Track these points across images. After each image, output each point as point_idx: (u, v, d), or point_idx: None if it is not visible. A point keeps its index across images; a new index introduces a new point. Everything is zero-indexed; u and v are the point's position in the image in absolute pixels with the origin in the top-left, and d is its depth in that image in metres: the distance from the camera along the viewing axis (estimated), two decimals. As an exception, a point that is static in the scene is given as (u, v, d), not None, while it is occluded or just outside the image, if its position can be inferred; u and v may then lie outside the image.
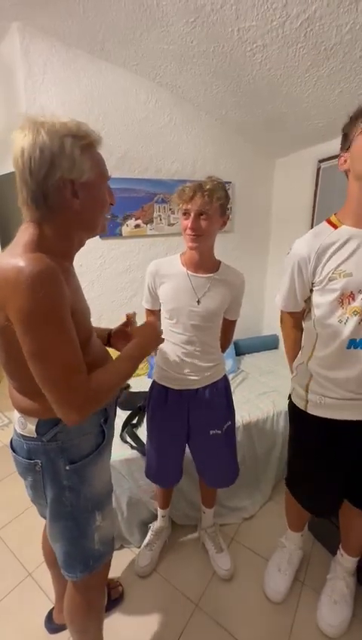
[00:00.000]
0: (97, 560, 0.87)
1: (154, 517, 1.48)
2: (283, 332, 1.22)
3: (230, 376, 2.13)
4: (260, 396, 1.88)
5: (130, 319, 1.01)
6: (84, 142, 0.66)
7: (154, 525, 1.45)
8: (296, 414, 1.12)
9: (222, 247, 2.41)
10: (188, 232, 1.03)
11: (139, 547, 1.43)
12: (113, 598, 1.26)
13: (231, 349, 2.25)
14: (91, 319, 0.85)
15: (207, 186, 0.99)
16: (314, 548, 1.46)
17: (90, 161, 0.68)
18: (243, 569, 1.38)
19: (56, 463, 0.77)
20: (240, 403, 1.83)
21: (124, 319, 1.03)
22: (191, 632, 1.17)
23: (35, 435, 0.76)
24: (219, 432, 1.20)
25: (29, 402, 0.75)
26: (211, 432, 1.20)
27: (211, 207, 1.01)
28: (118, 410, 1.70)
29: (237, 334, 2.50)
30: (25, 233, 0.67)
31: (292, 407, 1.14)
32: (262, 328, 2.84)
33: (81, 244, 0.79)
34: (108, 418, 0.89)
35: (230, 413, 1.26)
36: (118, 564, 1.39)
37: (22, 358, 0.63)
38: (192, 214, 1.01)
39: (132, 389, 1.90)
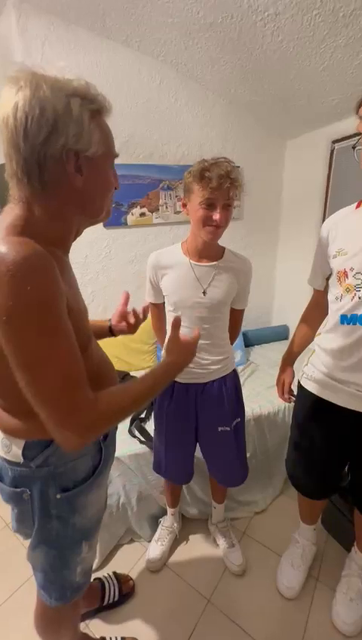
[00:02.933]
0: (75, 591, 0.80)
1: (165, 511, 1.46)
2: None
3: (239, 369, 2.08)
4: (270, 389, 1.82)
5: (127, 298, 0.91)
6: (93, 106, 0.54)
7: (165, 520, 1.43)
8: (297, 387, 1.15)
9: (230, 235, 2.33)
10: (213, 224, 0.93)
11: (150, 541, 1.41)
12: (124, 592, 1.24)
13: (239, 340, 2.19)
14: (97, 312, 0.77)
15: (233, 175, 0.90)
16: (328, 544, 1.43)
17: (99, 132, 0.56)
18: (255, 564, 1.35)
19: (45, 491, 0.67)
20: (251, 396, 1.79)
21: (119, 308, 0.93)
22: (204, 627, 1.16)
23: (21, 460, 0.64)
24: (228, 428, 1.16)
25: (16, 422, 0.63)
26: (220, 429, 1.15)
27: (234, 196, 0.94)
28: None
29: (246, 325, 2.45)
30: (8, 215, 0.55)
31: (298, 381, 1.16)
32: (271, 319, 2.77)
33: (79, 232, 0.66)
34: (108, 435, 0.80)
35: (239, 409, 1.21)
36: (129, 558, 1.39)
37: (9, 371, 0.50)
38: (220, 206, 0.92)
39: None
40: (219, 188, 0.89)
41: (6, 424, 0.64)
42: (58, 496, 0.67)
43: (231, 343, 1.26)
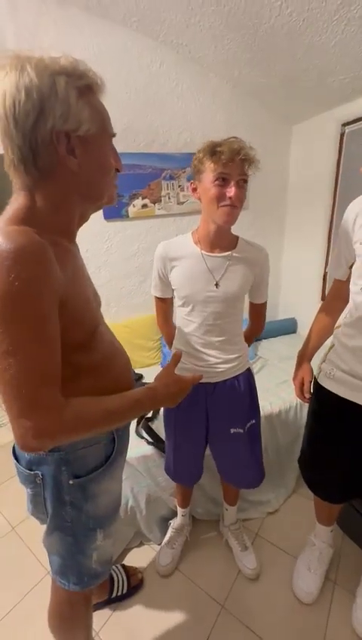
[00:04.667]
0: (93, 578, 0.80)
1: (175, 513, 1.41)
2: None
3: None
4: (281, 384, 1.76)
5: (177, 359, 0.79)
6: (81, 83, 0.52)
7: (175, 522, 1.38)
8: (314, 383, 1.09)
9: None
10: (228, 202, 0.85)
11: (160, 544, 1.37)
12: (133, 585, 1.23)
13: (248, 335, 2.13)
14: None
15: (246, 149, 0.84)
16: (344, 545, 1.38)
17: (89, 109, 0.54)
18: (270, 567, 1.31)
19: (58, 476, 0.68)
20: (261, 392, 1.68)
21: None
22: (219, 635, 1.11)
23: None
24: (241, 430, 1.09)
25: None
26: (232, 431, 1.09)
27: (248, 172, 0.87)
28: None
29: (253, 319, 2.40)
30: (11, 205, 0.55)
31: (314, 379, 1.11)
32: (278, 312, 2.70)
33: (84, 218, 0.65)
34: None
35: (254, 411, 1.14)
36: (139, 561, 1.34)
37: None
38: (234, 181, 0.84)
39: (145, 380, 1.81)
40: (232, 160, 0.82)
41: None
42: (71, 482, 0.68)
43: (252, 341, 1.20)
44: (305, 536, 1.32)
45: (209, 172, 0.86)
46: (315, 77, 1.69)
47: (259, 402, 1.60)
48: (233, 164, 0.83)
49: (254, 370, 1.94)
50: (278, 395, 1.68)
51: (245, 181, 0.87)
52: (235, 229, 0.99)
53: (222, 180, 0.85)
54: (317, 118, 2.05)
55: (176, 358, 0.76)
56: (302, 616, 1.15)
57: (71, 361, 0.58)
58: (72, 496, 0.69)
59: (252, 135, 2.11)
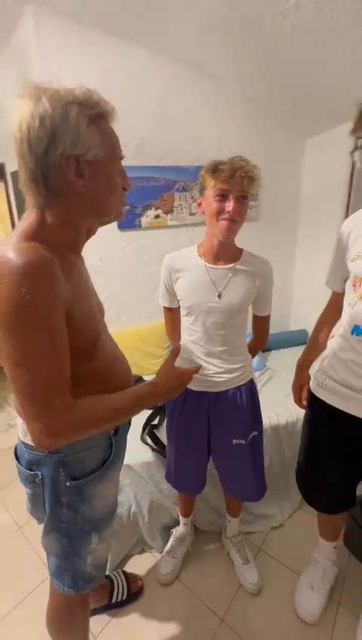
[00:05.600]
0: (87, 582, 0.82)
1: (177, 521, 1.41)
2: None
3: (256, 374, 2.02)
4: (288, 396, 1.72)
5: (176, 354, 0.83)
6: (92, 112, 0.57)
7: (177, 531, 1.38)
8: (308, 392, 1.09)
9: (246, 236, 2.26)
10: (226, 216, 0.89)
11: (161, 552, 1.37)
12: (133, 591, 1.24)
13: (257, 346, 2.12)
14: (110, 315, 0.77)
15: (248, 167, 0.88)
16: (350, 564, 1.34)
17: (99, 136, 0.58)
18: (272, 582, 1.28)
19: (56, 477, 0.70)
20: (268, 404, 1.71)
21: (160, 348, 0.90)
22: (217, 649, 1.10)
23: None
24: (243, 442, 1.09)
25: None
26: (234, 442, 1.10)
27: (250, 190, 0.91)
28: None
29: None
30: (24, 221, 0.59)
31: (308, 388, 1.11)
32: (289, 323, 2.69)
33: (92, 232, 0.69)
34: (119, 429, 0.80)
35: (256, 423, 1.14)
36: (140, 568, 1.35)
37: None
38: (233, 196, 0.88)
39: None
40: (231, 177, 0.86)
41: None
42: (68, 483, 0.71)
43: (256, 353, 1.21)
44: (309, 552, 1.29)
45: (210, 188, 0.90)
46: (328, 93, 1.71)
47: (266, 413, 1.60)
48: (232, 180, 0.87)
49: (262, 381, 1.96)
50: (285, 406, 1.67)
51: (244, 197, 0.90)
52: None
53: (222, 196, 0.89)
54: (332, 131, 2.07)
55: (175, 353, 0.79)
56: (303, 635, 1.12)
57: (74, 370, 0.61)
58: (68, 497, 0.72)
59: (265, 148, 2.17)
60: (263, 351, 2.29)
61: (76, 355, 0.62)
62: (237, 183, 0.87)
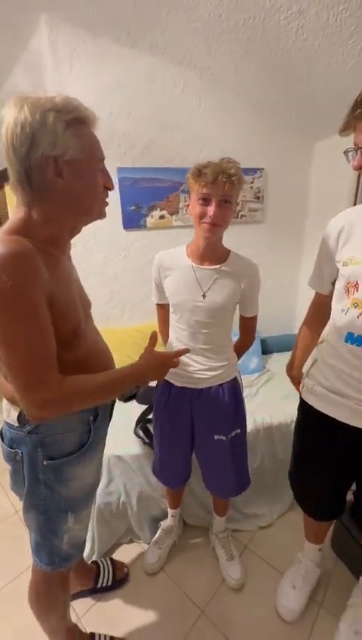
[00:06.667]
0: (63, 560, 0.85)
1: (166, 514, 1.45)
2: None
3: (254, 376, 2.04)
4: (284, 399, 1.75)
5: (154, 339, 0.85)
6: (69, 117, 0.62)
7: (165, 523, 1.42)
8: (300, 400, 1.09)
9: (252, 238, 2.28)
10: (207, 220, 0.92)
11: (149, 543, 1.41)
12: (118, 578, 1.28)
13: (256, 347, 2.13)
14: (114, 312, 0.81)
15: (231, 170, 0.90)
16: (336, 568, 1.33)
17: (76, 138, 0.63)
18: (255, 580, 1.30)
19: (34, 456, 0.75)
20: (263, 404, 1.73)
21: (149, 332, 0.89)
22: (195, 638, 1.13)
23: (16, 424, 0.74)
24: (224, 438, 1.12)
25: (14, 391, 0.73)
26: (216, 437, 1.12)
27: (234, 194, 0.93)
28: (135, 405, 1.69)
29: (266, 331, 2.39)
30: (13, 217, 0.65)
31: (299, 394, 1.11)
32: (294, 326, 2.67)
33: (75, 230, 0.74)
34: (98, 416, 0.84)
35: (239, 421, 1.16)
36: (127, 557, 1.39)
37: None
38: (214, 201, 0.91)
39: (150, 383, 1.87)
40: (213, 182, 0.89)
41: (7, 392, 0.74)
42: (45, 462, 0.75)
43: (242, 354, 1.22)
44: (295, 553, 1.30)
45: (194, 192, 0.93)
46: (334, 97, 1.71)
47: (260, 414, 1.62)
48: (214, 185, 0.89)
49: (260, 383, 1.97)
50: (281, 408, 1.67)
51: (226, 201, 0.92)
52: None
53: (204, 200, 0.92)
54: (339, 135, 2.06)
55: (153, 339, 0.82)
56: (281, 633, 1.13)
57: (58, 358, 0.66)
58: (45, 476, 0.76)
59: (271, 152, 2.19)
60: (264, 353, 2.30)
61: (59, 342, 0.67)
62: (218, 188, 0.89)
